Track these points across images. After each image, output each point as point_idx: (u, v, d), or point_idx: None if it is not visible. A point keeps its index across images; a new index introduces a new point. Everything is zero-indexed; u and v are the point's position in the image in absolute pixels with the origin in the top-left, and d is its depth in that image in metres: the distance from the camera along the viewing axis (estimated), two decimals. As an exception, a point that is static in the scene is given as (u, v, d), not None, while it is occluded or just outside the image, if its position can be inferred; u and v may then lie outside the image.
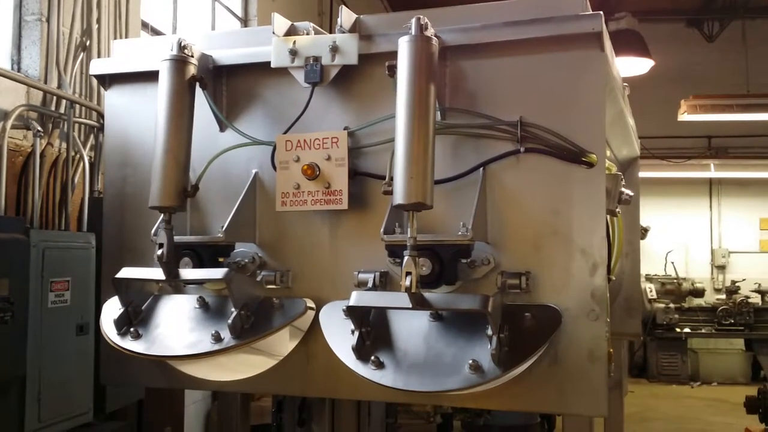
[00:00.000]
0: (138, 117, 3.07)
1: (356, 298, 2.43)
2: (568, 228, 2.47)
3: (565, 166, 2.48)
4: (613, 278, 3.06)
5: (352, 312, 2.46)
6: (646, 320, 13.42)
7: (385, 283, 2.64)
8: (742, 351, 14.30)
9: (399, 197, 2.29)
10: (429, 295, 2.35)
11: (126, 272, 2.77)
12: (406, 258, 2.29)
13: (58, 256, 3.75)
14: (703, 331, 14.11)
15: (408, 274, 2.28)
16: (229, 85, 2.95)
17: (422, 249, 2.38)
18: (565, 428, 3.24)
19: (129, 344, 2.74)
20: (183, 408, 6.15)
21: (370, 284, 2.62)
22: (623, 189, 2.80)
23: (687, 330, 14.05)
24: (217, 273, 2.68)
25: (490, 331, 2.32)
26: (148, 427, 5.21)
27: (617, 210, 2.81)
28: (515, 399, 2.51)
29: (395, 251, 2.48)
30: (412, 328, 2.51)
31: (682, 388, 13.75)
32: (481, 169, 2.56)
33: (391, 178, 2.38)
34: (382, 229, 2.48)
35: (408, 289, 2.27)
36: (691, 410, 11.82)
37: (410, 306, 2.31)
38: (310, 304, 2.73)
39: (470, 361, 2.31)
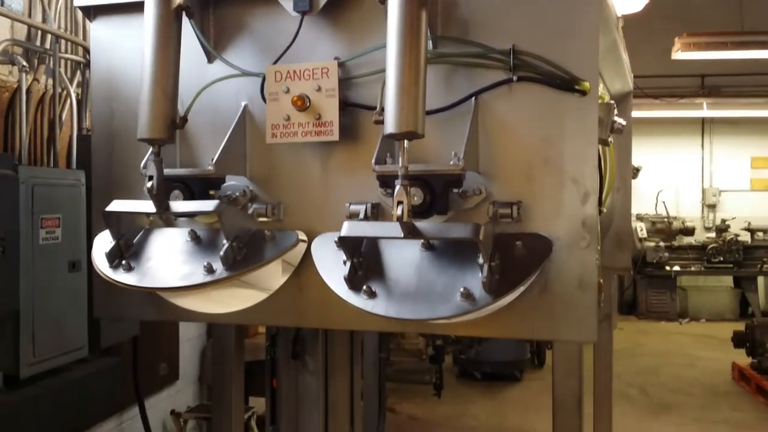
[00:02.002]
0: (124, 49, 3.01)
1: (348, 228, 2.42)
2: (560, 157, 2.46)
3: (557, 94, 2.45)
4: (605, 210, 3.06)
5: (344, 242, 2.46)
6: (636, 259, 13.56)
7: (377, 214, 2.63)
8: (730, 288, 14.53)
9: (390, 126, 2.26)
10: (420, 224, 2.34)
11: (116, 205, 2.75)
12: (397, 187, 2.27)
13: (48, 193, 3.73)
14: (692, 269, 14.29)
15: (399, 203, 2.26)
16: (216, 15, 2.89)
17: (414, 179, 2.36)
18: (555, 357, 3.28)
19: (121, 276, 2.74)
20: (178, 345, 6.23)
21: (361, 215, 2.61)
22: (616, 118, 2.78)
23: (677, 268, 14.22)
24: (208, 205, 2.66)
25: (481, 260, 2.33)
26: (143, 364, 5.28)
27: (610, 140, 2.80)
28: (506, 327, 2.53)
29: (387, 181, 2.47)
30: (403, 257, 2.51)
31: (671, 324, 13.99)
32: (473, 98, 2.53)
33: (382, 108, 2.36)
34: (373, 160, 2.46)
35: (400, 219, 2.26)
36: (679, 346, 12.04)
37: (402, 235, 2.30)
38: (302, 236, 2.73)
39: (461, 289, 2.32)
